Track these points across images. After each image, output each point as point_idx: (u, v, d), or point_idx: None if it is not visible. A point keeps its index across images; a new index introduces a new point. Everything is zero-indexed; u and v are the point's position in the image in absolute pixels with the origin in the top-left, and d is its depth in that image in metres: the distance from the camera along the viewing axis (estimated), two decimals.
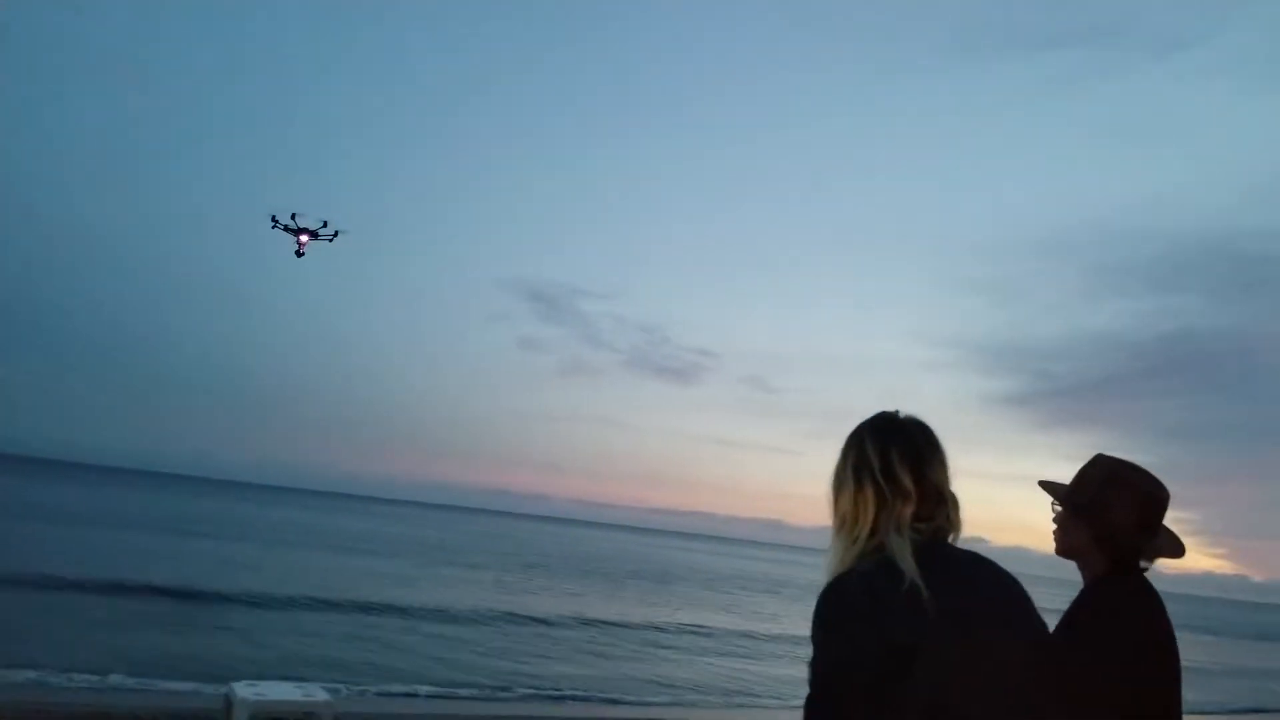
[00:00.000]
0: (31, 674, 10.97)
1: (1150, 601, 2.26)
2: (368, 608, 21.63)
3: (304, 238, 22.43)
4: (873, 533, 1.64)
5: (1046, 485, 2.46)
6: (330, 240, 22.66)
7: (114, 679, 11.47)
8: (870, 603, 1.54)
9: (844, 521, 1.68)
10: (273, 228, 22.32)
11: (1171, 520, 2.36)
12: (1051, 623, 2.56)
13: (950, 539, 1.70)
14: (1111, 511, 2.30)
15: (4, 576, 18.38)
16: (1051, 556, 2.51)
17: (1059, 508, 2.42)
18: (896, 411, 1.76)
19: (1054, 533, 2.43)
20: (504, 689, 14.31)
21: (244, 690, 5.38)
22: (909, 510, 1.64)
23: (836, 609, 1.58)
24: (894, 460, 1.67)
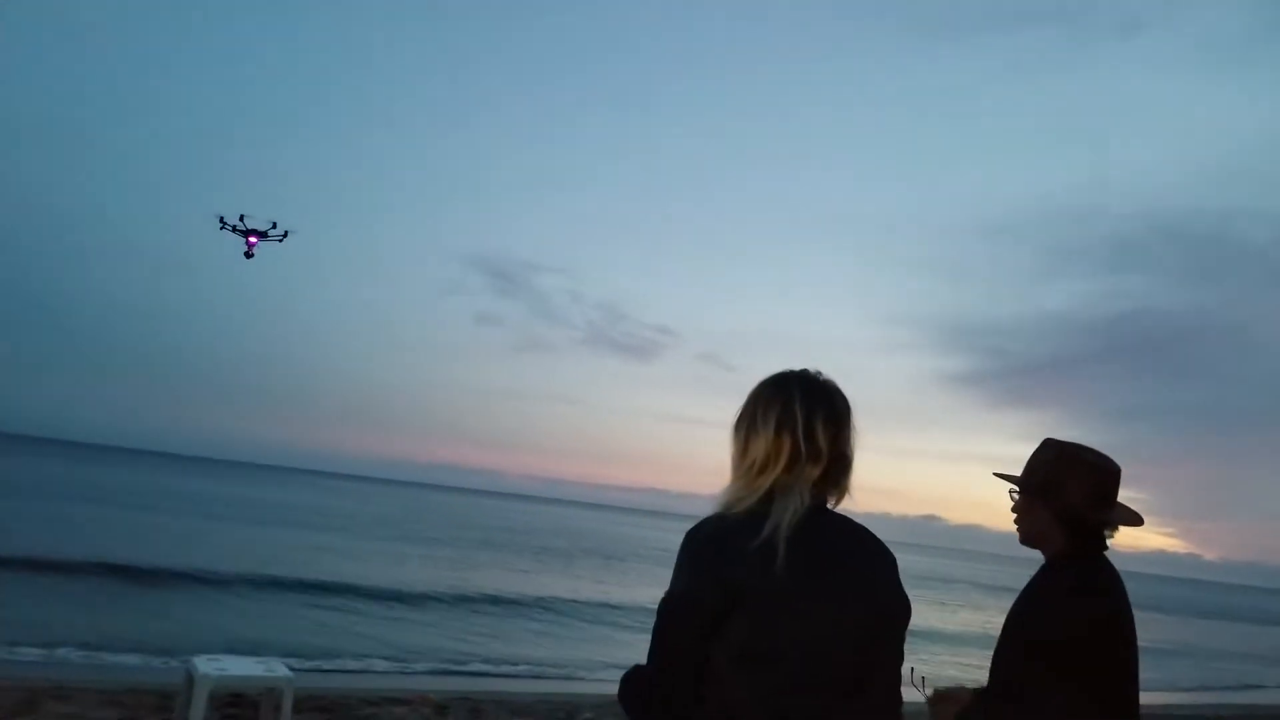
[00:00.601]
0: None
1: (1115, 584, 2.31)
2: (317, 585, 21.28)
3: (253, 239, 22.37)
4: (772, 484, 1.69)
5: (1002, 476, 2.51)
6: (280, 241, 22.69)
7: (61, 653, 11.32)
8: (717, 548, 1.63)
9: (752, 465, 1.72)
10: (220, 229, 22.20)
11: (1123, 499, 2.42)
12: (1006, 600, 2.65)
13: (832, 503, 1.76)
14: (1069, 487, 2.35)
15: None
16: (1006, 534, 2.54)
17: (1017, 495, 2.45)
18: (818, 373, 1.80)
19: (1015, 521, 2.46)
20: (459, 663, 14.37)
21: (205, 665, 5.35)
22: (816, 472, 1.71)
23: (688, 548, 1.68)
24: (817, 423, 1.72)
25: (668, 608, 1.67)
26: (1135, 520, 2.38)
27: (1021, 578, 2.56)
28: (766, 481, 1.69)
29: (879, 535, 1.82)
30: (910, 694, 1.92)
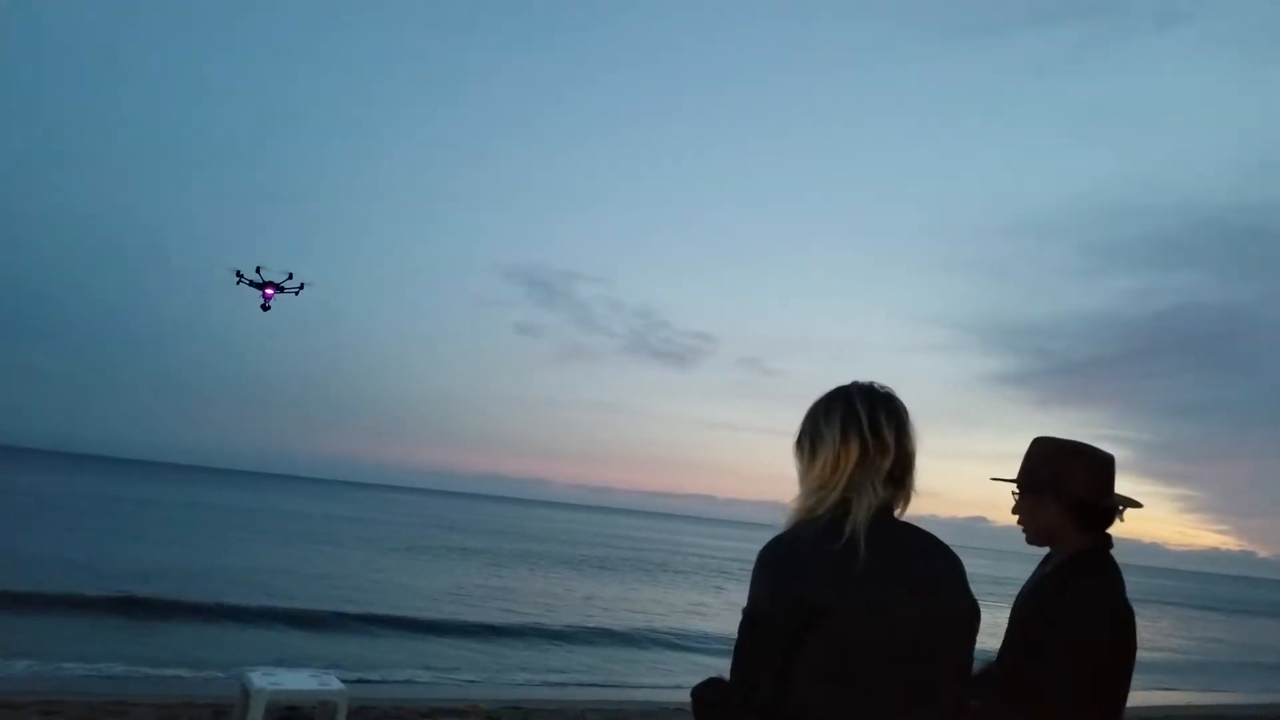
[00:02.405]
0: (24, 664, 10.89)
1: (1119, 581, 2.32)
2: (360, 599, 21.09)
3: (269, 291, 22.58)
4: (845, 489, 1.71)
5: (1000, 479, 2.50)
6: (296, 293, 22.90)
7: (103, 666, 11.43)
8: (792, 563, 1.65)
9: (823, 468, 1.74)
10: (237, 283, 22.47)
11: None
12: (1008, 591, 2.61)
13: (898, 510, 1.77)
14: (1071, 478, 2.36)
15: None
16: None
17: (1018, 495, 2.45)
18: (872, 382, 1.83)
19: (1019, 522, 2.45)
20: (503, 672, 14.37)
21: (260, 679, 5.41)
22: (887, 464, 1.72)
23: (763, 565, 1.69)
24: (880, 417, 1.75)
25: (745, 625, 1.68)
26: (1135, 504, 2.40)
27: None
28: (840, 481, 1.71)
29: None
30: None
